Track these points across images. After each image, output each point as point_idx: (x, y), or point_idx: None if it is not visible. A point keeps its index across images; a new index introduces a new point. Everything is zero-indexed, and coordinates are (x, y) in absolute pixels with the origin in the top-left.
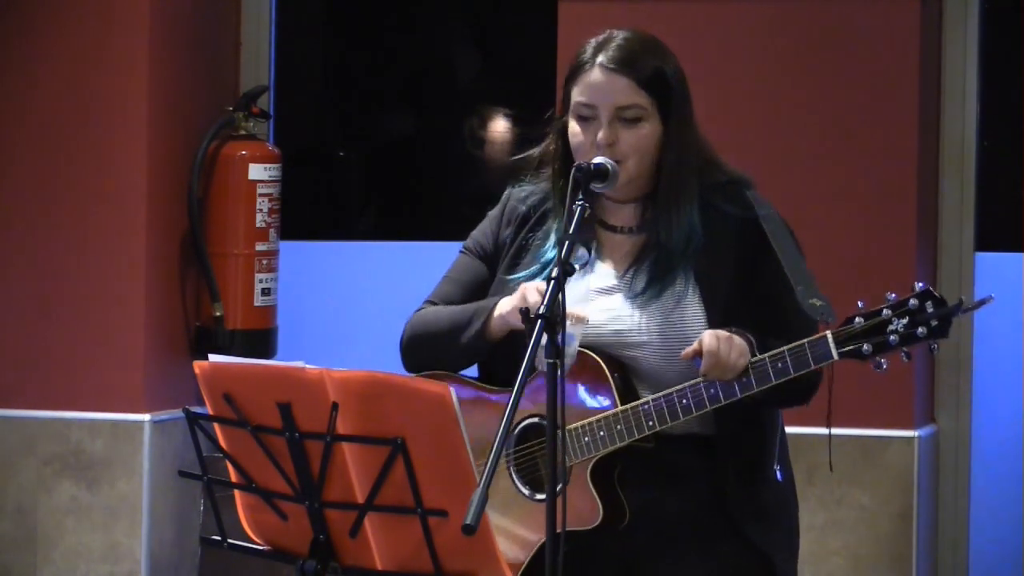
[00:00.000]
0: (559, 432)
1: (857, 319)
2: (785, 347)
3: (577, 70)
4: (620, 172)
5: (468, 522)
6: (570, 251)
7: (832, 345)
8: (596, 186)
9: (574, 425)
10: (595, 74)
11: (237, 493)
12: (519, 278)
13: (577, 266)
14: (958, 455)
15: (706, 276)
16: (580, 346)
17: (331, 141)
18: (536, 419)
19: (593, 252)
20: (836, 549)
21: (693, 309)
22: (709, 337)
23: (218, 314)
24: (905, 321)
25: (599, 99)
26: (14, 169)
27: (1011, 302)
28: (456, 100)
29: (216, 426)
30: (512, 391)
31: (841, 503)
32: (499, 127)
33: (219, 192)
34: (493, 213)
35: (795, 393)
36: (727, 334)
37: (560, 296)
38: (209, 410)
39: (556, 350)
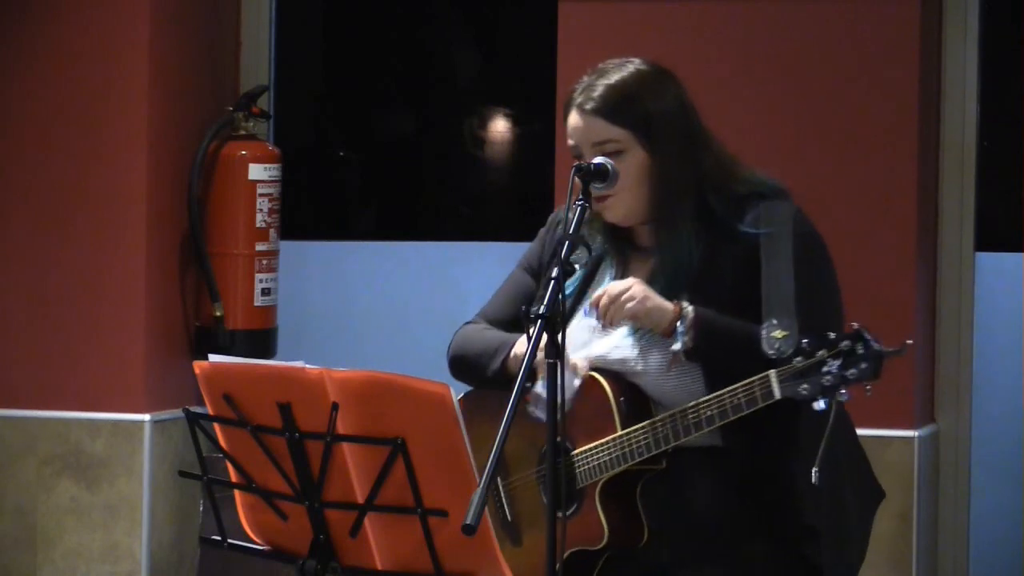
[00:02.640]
0: (559, 435)
1: (797, 359)
2: (740, 384)
3: (565, 113)
4: (616, 204)
5: (468, 522)
6: (570, 251)
7: (775, 384)
8: (596, 186)
9: (581, 449)
10: (573, 116)
11: (237, 493)
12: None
13: (577, 266)
14: (958, 455)
15: (703, 298)
16: (593, 370)
17: (331, 141)
18: (559, 438)
19: (615, 272)
20: None
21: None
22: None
23: (218, 314)
24: (839, 362)
25: (578, 139)
26: (14, 169)
27: (1011, 302)
28: (456, 100)
29: (216, 426)
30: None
31: None
32: (499, 127)
33: (219, 192)
34: (540, 232)
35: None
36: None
37: (560, 296)
38: (209, 410)
39: (556, 350)
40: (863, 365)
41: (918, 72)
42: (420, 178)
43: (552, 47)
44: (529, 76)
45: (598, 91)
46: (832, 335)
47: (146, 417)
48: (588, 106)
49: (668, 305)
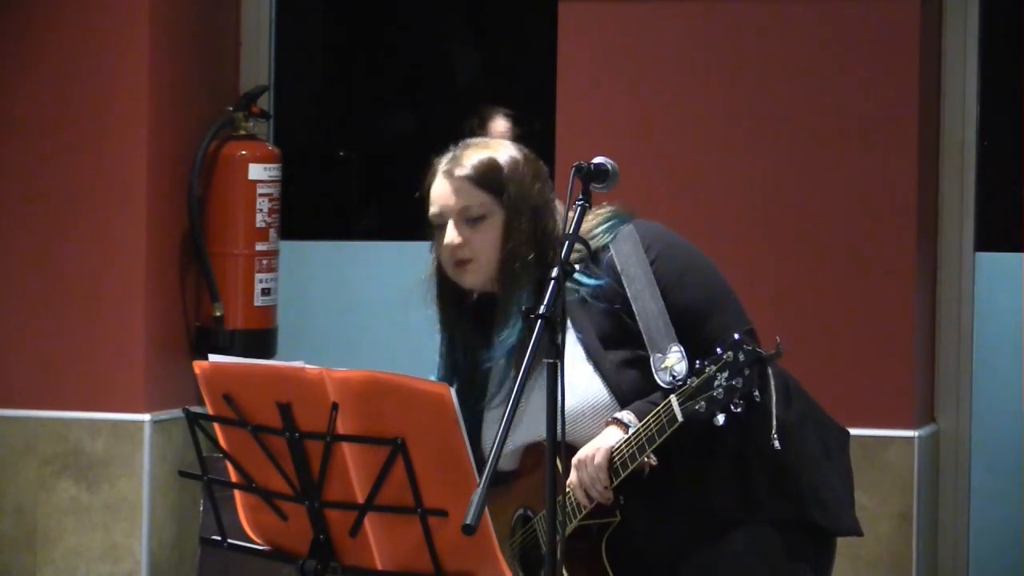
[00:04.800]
0: (560, 438)
1: (690, 380)
2: (650, 416)
3: (427, 188)
4: (476, 269)
5: (468, 522)
6: (570, 251)
7: (676, 408)
8: (596, 186)
9: (541, 514)
10: (437, 183)
11: (237, 493)
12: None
13: (578, 267)
14: (958, 455)
15: (600, 359)
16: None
17: (331, 141)
18: (522, 510)
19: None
20: (836, 549)
21: (599, 393)
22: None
23: (218, 314)
24: (726, 374)
25: (442, 205)
26: (14, 169)
27: (1011, 302)
28: (456, 100)
29: (216, 426)
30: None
31: None
32: (499, 127)
33: (219, 192)
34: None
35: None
36: (577, 459)
37: (561, 295)
38: (209, 410)
39: (556, 350)
40: (746, 372)
41: (918, 72)
42: (420, 178)
43: (552, 47)
44: (529, 76)
45: (464, 159)
46: (718, 350)
47: (146, 417)
48: (456, 171)
49: (613, 435)
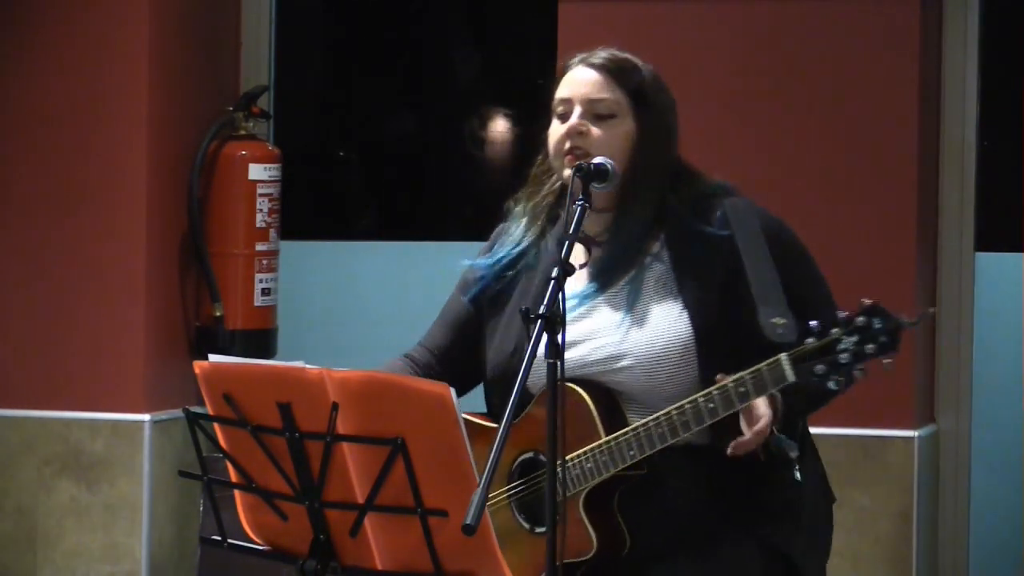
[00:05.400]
0: (559, 435)
1: (809, 339)
2: (747, 371)
3: (560, 74)
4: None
5: (468, 522)
6: (570, 251)
7: (788, 368)
8: (596, 186)
9: (566, 458)
10: (576, 70)
11: (237, 493)
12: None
13: (577, 266)
14: (958, 455)
15: (692, 295)
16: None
17: (331, 141)
18: (531, 454)
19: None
20: (836, 549)
21: (681, 329)
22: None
23: (218, 314)
24: (855, 339)
25: (573, 91)
26: (14, 169)
27: (1011, 302)
28: (456, 100)
29: (216, 426)
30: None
31: (841, 503)
32: (499, 127)
33: (219, 192)
34: (482, 247)
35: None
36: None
37: (560, 295)
38: (209, 410)
39: (556, 350)
40: (882, 339)
41: (918, 72)
42: (420, 178)
43: (552, 47)
44: (529, 76)
45: (607, 54)
46: (844, 313)
47: (146, 417)
48: (597, 61)
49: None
